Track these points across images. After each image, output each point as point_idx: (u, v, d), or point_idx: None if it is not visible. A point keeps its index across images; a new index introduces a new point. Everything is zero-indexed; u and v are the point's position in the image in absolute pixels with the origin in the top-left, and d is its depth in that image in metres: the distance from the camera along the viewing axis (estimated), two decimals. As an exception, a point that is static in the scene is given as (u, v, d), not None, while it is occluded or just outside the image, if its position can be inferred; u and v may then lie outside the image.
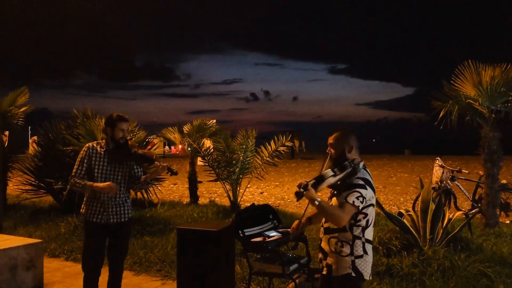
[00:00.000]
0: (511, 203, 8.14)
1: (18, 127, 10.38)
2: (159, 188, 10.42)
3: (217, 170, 9.00)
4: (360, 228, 2.78)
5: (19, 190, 10.03)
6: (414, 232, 5.35)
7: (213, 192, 13.45)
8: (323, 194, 3.12)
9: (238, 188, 9.04)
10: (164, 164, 3.92)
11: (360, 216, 2.76)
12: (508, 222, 7.73)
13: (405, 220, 5.49)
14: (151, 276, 5.50)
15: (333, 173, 2.70)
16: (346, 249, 2.78)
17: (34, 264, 5.04)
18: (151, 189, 9.66)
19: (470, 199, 8.63)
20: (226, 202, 9.85)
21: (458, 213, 6.16)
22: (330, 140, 2.95)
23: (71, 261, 6.19)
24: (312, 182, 2.66)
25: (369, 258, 2.83)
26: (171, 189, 14.46)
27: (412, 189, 13.23)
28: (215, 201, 10.52)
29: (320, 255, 2.97)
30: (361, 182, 2.75)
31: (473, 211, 7.79)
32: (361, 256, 2.78)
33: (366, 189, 2.74)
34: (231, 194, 9.04)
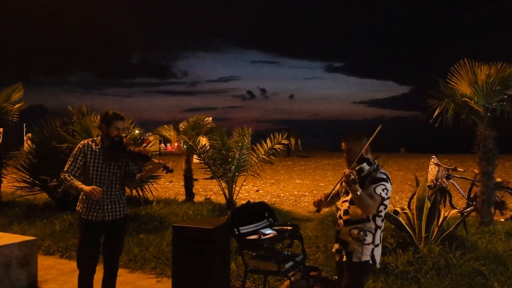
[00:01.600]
0: (506, 202, 8.17)
1: (13, 124, 10.31)
2: (154, 185, 10.39)
3: (213, 168, 8.98)
4: (381, 218, 3.06)
5: (14, 188, 9.98)
6: (409, 230, 5.36)
7: (209, 189, 13.43)
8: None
9: (234, 185, 9.03)
10: (160, 162, 3.91)
11: (381, 207, 3.04)
12: (502, 220, 7.77)
13: (400, 218, 5.50)
14: (146, 273, 5.49)
15: (368, 167, 3.03)
16: (369, 238, 3.02)
17: (28, 262, 5.01)
18: (146, 186, 9.63)
19: (465, 197, 8.66)
20: (221, 200, 9.84)
21: (453, 211, 6.16)
22: (344, 145, 3.18)
23: (65, 259, 6.17)
24: (356, 176, 2.89)
25: (381, 246, 3.12)
26: (167, 187, 14.42)
27: (407, 187, 13.26)
28: (211, 198, 10.50)
29: (336, 246, 3.20)
30: (384, 176, 3.04)
31: (468, 209, 7.81)
32: (378, 245, 3.07)
33: (388, 182, 3.03)
34: (226, 192, 9.03)
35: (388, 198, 3.04)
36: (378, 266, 3.12)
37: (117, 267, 4.19)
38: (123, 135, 4.11)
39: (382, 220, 3.08)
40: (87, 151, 3.90)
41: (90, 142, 3.96)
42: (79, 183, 3.80)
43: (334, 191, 3.24)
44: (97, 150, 3.92)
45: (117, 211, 3.99)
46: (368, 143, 3.06)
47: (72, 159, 3.89)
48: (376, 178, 3.01)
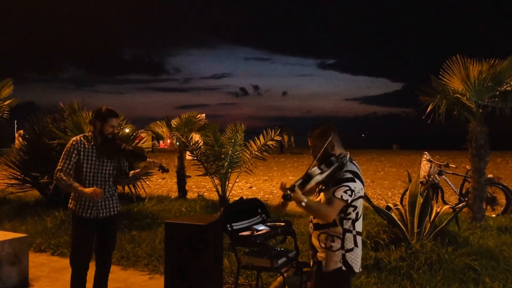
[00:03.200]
0: (497, 197, 8.23)
1: (3, 121, 10.21)
2: (147, 182, 10.35)
3: (205, 165, 8.96)
4: (350, 221, 2.77)
5: (4, 185, 9.90)
6: (402, 226, 5.38)
7: (202, 186, 13.40)
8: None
9: (227, 182, 9.02)
10: (156, 161, 3.89)
11: (350, 209, 2.75)
12: (494, 216, 7.82)
13: (393, 214, 5.52)
14: (139, 270, 5.46)
15: (320, 171, 2.67)
16: (337, 244, 2.76)
17: (19, 259, 4.96)
18: (139, 183, 9.59)
19: (457, 193, 8.71)
20: (214, 196, 9.82)
21: (446, 207, 6.19)
22: (310, 141, 2.92)
23: (57, 256, 6.13)
24: (299, 182, 2.64)
25: (359, 250, 2.82)
26: (159, 184, 14.38)
27: (400, 183, 13.32)
28: (204, 195, 10.49)
29: (311, 252, 2.94)
30: (349, 175, 2.72)
31: (460, 205, 7.86)
32: (351, 250, 2.77)
33: (355, 181, 2.72)
34: (220, 189, 9.01)
35: (358, 198, 2.75)
36: (358, 271, 2.81)
37: (110, 264, 4.16)
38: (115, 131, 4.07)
39: (354, 222, 2.78)
40: (80, 148, 3.84)
41: (82, 139, 3.90)
42: (78, 184, 3.77)
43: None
44: (90, 147, 3.87)
45: (110, 208, 3.96)
46: (323, 148, 2.76)
47: (65, 156, 3.83)
48: (338, 179, 2.71)
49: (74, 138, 3.92)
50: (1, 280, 4.76)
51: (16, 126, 22.98)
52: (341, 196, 2.66)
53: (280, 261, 3.87)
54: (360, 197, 2.77)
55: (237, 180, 9.73)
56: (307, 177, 2.66)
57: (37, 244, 6.49)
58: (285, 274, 3.89)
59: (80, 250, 3.91)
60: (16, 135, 17.42)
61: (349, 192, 2.68)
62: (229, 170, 8.92)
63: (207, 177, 9.33)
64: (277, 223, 4.27)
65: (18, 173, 9.49)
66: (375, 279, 4.63)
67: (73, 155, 3.82)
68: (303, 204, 2.59)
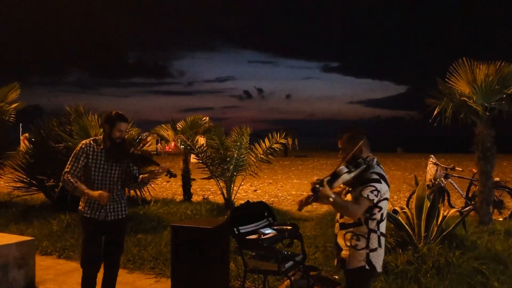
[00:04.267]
0: (504, 201, 8.18)
1: (9, 124, 10.24)
2: (152, 185, 10.35)
3: (211, 168, 8.95)
4: (375, 221, 2.87)
5: (10, 188, 9.91)
6: (409, 230, 5.36)
7: (207, 189, 13.40)
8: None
9: (232, 185, 9.00)
10: (164, 166, 3.90)
11: (375, 210, 2.85)
12: (501, 219, 7.77)
13: (400, 218, 5.49)
14: (145, 274, 5.46)
15: (347, 170, 2.77)
16: (362, 243, 2.86)
17: (26, 262, 4.97)
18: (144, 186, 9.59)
19: (464, 196, 8.66)
20: (219, 199, 9.81)
21: (452, 210, 6.17)
22: (340, 144, 3.02)
23: (63, 259, 6.13)
24: (327, 178, 2.72)
25: (382, 251, 2.92)
26: (164, 187, 14.38)
27: (405, 186, 13.27)
28: (209, 198, 10.47)
29: (335, 250, 3.04)
30: (376, 176, 2.83)
31: (467, 208, 7.82)
32: (375, 250, 2.87)
33: (381, 183, 2.82)
34: (225, 192, 9.00)
35: (384, 199, 2.85)
36: (380, 270, 2.92)
37: (118, 267, 4.17)
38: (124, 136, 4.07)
39: (379, 223, 2.87)
40: (89, 151, 3.86)
41: (91, 142, 3.91)
42: (85, 187, 3.78)
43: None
44: (99, 150, 3.88)
45: (118, 211, 3.98)
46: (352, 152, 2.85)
47: (73, 159, 3.84)
48: (365, 179, 2.82)
49: (83, 141, 3.93)
50: (8, 283, 4.76)
51: (21, 129, 23.09)
52: (368, 195, 2.77)
53: (287, 265, 3.85)
54: (385, 198, 2.86)
55: (242, 183, 9.70)
56: (335, 175, 2.74)
57: (43, 247, 6.49)
58: (292, 278, 3.87)
59: (91, 251, 3.92)
60: (22, 138, 17.51)
61: (375, 193, 2.78)
62: (235, 173, 8.91)
63: (212, 180, 9.32)
64: (283, 227, 4.25)
65: (24, 176, 9.50)
66: (382, 283, 4.60)
67: (82, 158, 3.83)
68: (331, 199, 2.65)
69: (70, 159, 3.87)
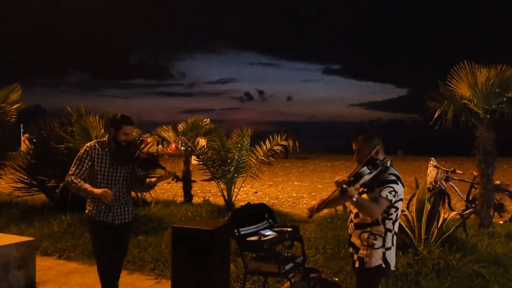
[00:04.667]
0: (504, 204, 8.17)
1: (11, 124, 10.26)
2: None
3: (211, 169, 8.95)
4: (391, 221, 2.96)
5: (11, 188, 9.93)
6: (409, 232, 5.35)
7: (207, 191, 13.39)
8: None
9: (233, 187, 9.00)
10: (171, 171, 3.91)
11: (392, 210, 2.94)
12: (501, 222, 7.77)
13: (400, 220, 5.49)
14: (145, 275, 5.47)
15: (369, 171, 2.84)
16: (379, 242, 2.94)
17: (26, 263, 4.98)
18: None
19: (464, 199, 8.66)
20: (220, 201, 9.81)
21: (453, 213, 6.16)
22: (355, 146, 3.08)
23: (64, 260, 6.14)
24: (351, 179, 2.80)
25: (394, 249, 3.01)
26: (165, 188, 14.38)
27: (406, 189, 13.21)
28: (209, 200, 10.47)
29: (350, 250, 3.11)
30: (393, 177, 2.92)
31: (468, 211, 7.81)
32: (389, 248, 2.96)
33: (398, 184, 2.92)
34: (225, 193, 9.00)
35: (400, 200, 2.94)
36: (393, 268, 3.02)
37: (121, 269, 4.18)
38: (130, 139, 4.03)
39: (394, 223, 2.98)
40: (94, 154, 3.81)
41: (96, 144, 3.86)
42: (88, 185, 3.74)
43: (330, 197, 3.14)
44: (104, 153, 3.83)
45: (125, 215, 3.96)
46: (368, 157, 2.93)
47: (78, 161, 3.80)
48: (383, 180, 2.91)
49: (88, 144, 3.89)
50: (8, 283, 4.77)
51: (22, 129, 23.09)
52: (386, 196, 2.86)
53: (287, 267, 3.86)
54: (401, 199, 2.95)
55: (243, 185, 9.70)
56: (358, 175, 2.82)
57: (43, 248, 6.50)
58: (292, 280, 3.88)
59: (106, 253, 3.89)
60: (23, 138, 17.52)
61: (393, 193, 2.87)
62: (235, 175, 8.92)
63: (212, 182, 9.32)
64: (284, 228, 4.26)
65: (25, 177, 9.51)
66: (382, 285, 4.59)
67: (86, 161, 3.79)
68: (354, 199, 2.75)
69: (74, 161, 3.82)
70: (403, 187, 2.98)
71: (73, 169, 3.78)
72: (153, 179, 4.07)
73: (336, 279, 4.87)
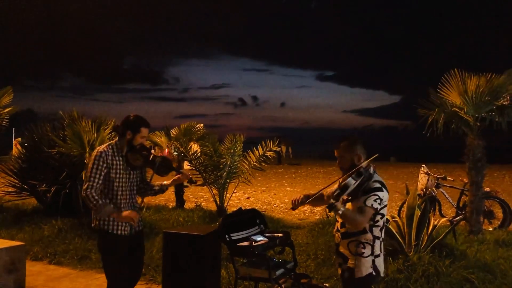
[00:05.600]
0: (494, 211, 8.25)
1: (3, 128, 10.20)
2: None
3: (204, 174, 8.96)
4: (379, 228, 2.95)
5: (2, 192, 9.87)
6: (399, 238, 5.39)
7: (200, 196, 13.38)
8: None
9: (225, 192, 9.01)
10: (186, 173, 3.83)
11: (378, 217, 2.93)
12: (491, 229, 7.83)
13: (390, 226, 5.53)
14: (136, 280, 5.44)
15: (354, 181, 2.85)
16: (368, 250, 2.93)
17: (16, 267, 4.95)
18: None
19: (455, 206, 8.72)
20: (212, 206, 9.81)
21: (443, 220, 6.21)
22: (337, 153, 3.09)
23: (54, 265, 6.11)
24: (337, 192, 2.85)
25: (382, 255, 3.01)
26: (157, 193, 14.34)
27: (397, 195, 13.32)
28: (202, 205, 10.46)
29: (339, 260, 3.09)
30: (378, 185, 2.91)
31: (458, 218, 7.87)
32: (378, 255, 2.96)
33: (383, 191, 2.92)
34: (217, 199, 9.00)
35: (385, 206, 2.94)
36: (382, 275, 3.01)
37: (138, 280, 3.89)
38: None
39: (381, 230, 2.97)
40: (108, 160, 3.51)
41: (108, 149, 3.55)
42: (112, 209, 3.46)
43: (316, 195, 3.15)
44: (118, 158, 3.57)
45: (140, 221, 3.75)
46: (362, 162, 2.98)
47: (94, 170, 3.45)
48: (368, 188, 2.89)
49: (99, 149, 3.56)
50: (-3, 288, 4.75)
51: (14, 133, 22.96)
52: (372, 204, 2.85)
53: (278, 272, 3.87)
54: (386, 205, 2.95)
55: (235, 191, 9.71)
56: (345, 187, 2.84)
57: (34, 253, 6.47)
58: (283, 285, 3.89)
59: (123, 273, 3.57)
60: (15, 142, 17.42)
61: (378, 201, 2.87)
62: (228, 181, 8.92)
63: (205, 187, 9.32)
64: (275, 234, 4.27)
65: (16, 181, 9.45)
66: (372, 292, 4.62)
67: (103, 168, 3.47)
68: (340, 212, 2.79)
69: (90, 171, 3.45)
70: (388, 193, 2.98)
71: (91, 179, 3.41)
72: (167, 182, 3.87)
73: (327, 284, 4.88)
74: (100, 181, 3.46)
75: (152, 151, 3.83)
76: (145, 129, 3.61)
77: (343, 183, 2.87)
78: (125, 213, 3.48)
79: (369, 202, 2.85)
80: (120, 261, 3.56)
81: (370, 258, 2.92)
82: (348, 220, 2.90)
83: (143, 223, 7.72)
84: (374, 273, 2.93)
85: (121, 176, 3.57)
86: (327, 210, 2.86)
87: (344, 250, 3.02)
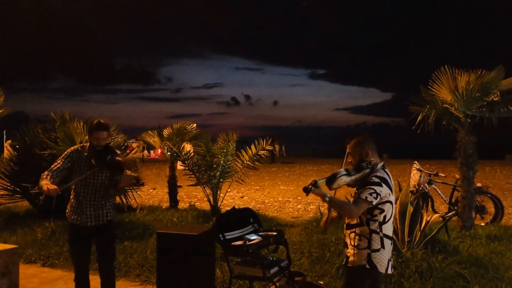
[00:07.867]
0: (486, 206, 8.32)
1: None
2: (138, 192, 10.30)
3: (197, 174, 8.94)
4: (377, 223, 2.98)
5: (-6, 195, 9.80)
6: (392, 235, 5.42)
7: (193, 196, 13.37)
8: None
9: (219, 192, 9.00)
10: (132, 175, 4.08)
11: (376, 212, 2.97)
12: (483, 224, 7.90)
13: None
14: (130, 281, 5.44)
15: (346, 172, 2.93)
16: (364, 243, 2.98)
17: (9, 271, 4.91)
18: (129, 193, 9.54)
19: (447, 202, 8.79)
20: (206, 206, 9.80)
21: (435, 215, 6.26)
22: (348, 149, 3.18)
23: (47, 267, 6.08)
24: (323, 180, 2.92)
25: (386, 253, 3.01)
26: (150, 194, 14.32)
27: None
28: (195, 205, 10.46)
29: (344, 248, 3.20)
30: (376, 180, 2.95)
31: (450, 213, 7.93)
32: (377, 250, 2.98)
33: (381, 186, 2.94)
34: (211, 198, 8.99)
35: (386, 202, 2.96)
36: (383, 271, 2.99)
37: (113, 275, 4.24)
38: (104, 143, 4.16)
39: (381, 225, 2.97)
40: (74, 157, 4.04)
41: (79, 149, 4.10)
42: (46, 181, 3.81)
43: (331, 213, 3.23)
44: (84, 157, 4.05)
45: (99, 217, 4.04)
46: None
47: (58, 160, 4.03)
48: (366, 182, 2.96)
49: (72, 147, 4.14)
50: (-9, 291, 4.71)
51: (5, 135, 22.80)
52: (366, 197, 2.88)
53: (272, 271, 3.88)
54: (387, 201, 2.98)
55: (229, 190, 9.71)
56: (332, 176, 2.93)
57: (27, 256, 6.43)
58: (277, 284, 3.91)
59: (75, 254, 4.10)
60: (6, 144, 17.27)
61: (374, 195, 2.90)
62: (221, 180, 8.91)
63: (199, 187, 9.31)
64: (269, 233, 4.29)
65: (8, 184, 9.40)
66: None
67: (65, 162, 4.01)
68: (327, 199, 2.87)
69: (56, 160, 4.06)
70: (391, 189, 2.99)
71: (52, 166, 3.99)
72: (120, 183, 4.17)
73: (321, 282, 4.91)
74: (58, 170, 3.93)
75: (119, 152, 4.17)
76: (97, 132, 4.00)
77: (332, 173, 2.96)
78: (42, 182, 3.78)
79: (364, 194, 2.90)
80: (73, 243, 4.08)
81: (366, 251, 2.97)
82: (336, 207, 2.99)
83: (137, 224, 7.73)
84: (367, 267, 2.96)
85: (83, 172, 3.98)
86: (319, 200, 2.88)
87: (347, 239, 3.13)
